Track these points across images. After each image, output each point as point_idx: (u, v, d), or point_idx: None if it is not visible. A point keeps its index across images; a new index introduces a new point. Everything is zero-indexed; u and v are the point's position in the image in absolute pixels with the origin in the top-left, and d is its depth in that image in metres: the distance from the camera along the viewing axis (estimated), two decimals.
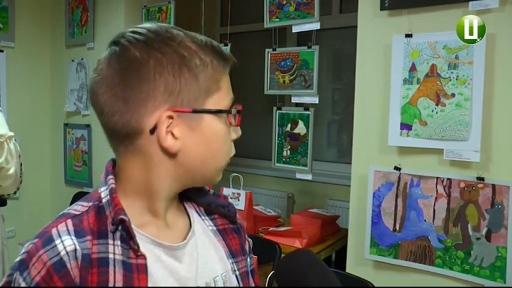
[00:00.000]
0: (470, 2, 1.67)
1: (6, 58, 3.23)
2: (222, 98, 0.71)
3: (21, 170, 1.87)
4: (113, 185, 0.69)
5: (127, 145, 0.69)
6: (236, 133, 0.75)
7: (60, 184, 3.50)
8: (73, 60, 3.28)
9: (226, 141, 0.73)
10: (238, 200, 2.49)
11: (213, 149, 0.71)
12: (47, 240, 0.63)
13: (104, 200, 0.68)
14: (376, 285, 1.70)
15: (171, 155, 0.68)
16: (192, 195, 0.80)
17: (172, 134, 0.67)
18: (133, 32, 0.68)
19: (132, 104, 0.65)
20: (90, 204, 0.68)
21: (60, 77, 3.41)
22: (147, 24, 0.69)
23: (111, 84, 0.66)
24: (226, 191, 2.55)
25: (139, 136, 0.67)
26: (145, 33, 0.67)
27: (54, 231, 0.64)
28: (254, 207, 2.66)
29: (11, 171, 1.79)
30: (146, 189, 0.70)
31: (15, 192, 1.96)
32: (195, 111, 0.68)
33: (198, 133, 0.69)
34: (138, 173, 0.70)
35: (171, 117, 0.66)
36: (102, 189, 0.70)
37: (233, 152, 0.75)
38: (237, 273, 0.78)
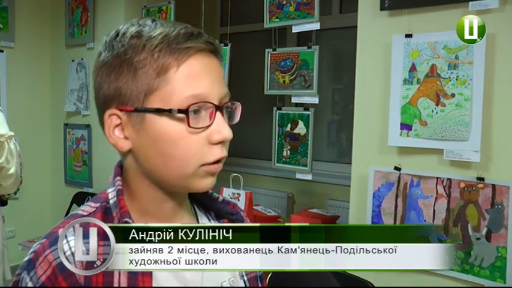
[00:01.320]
0: (470, 2, 1.67)
1: (6, 58, 3.24)
2: (172, 94, 0.63)
3: (21, 169, 1.88)
4: (120, 187, 0.69)
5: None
6: (219, 135, 0.65)
7: (60, 184, 3.50)
8: (73, 60, 3.28)
9: (181, 145, 0.64)
10: (238, 200, 2.49)
11: (162, 152, 0.64)
12: (54, 240, 0.64)
13: (111, 202, 0.69)
14: (376, 285, 1.70)
15: (131, 154, 0.68)
16: (202, 200, 0.79)
17: (124, 134, 0.67)
18: (109, 33, 0.69)
19: (99, 104, 0.69)
20: (98, 205, 0.69)
21: (60, 77, 3.41)
22: (128, 23, 0.69)
23: (92, 86, 0.71)
24: (226, 191, 2.55)
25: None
26: (110, 34, 0.68)
27: (61, 231, 0.64)
28: (254, 207, 2.66)
29: (12, 170, 1.80)
30: (134, 189, 0.70)
31: (15, 193, 1.96)
32: (135, 110, 0.64)
33: (142, 134, 0.65)
34: (125, 172, 0.71)
35: (117, 116, 0.66)
36: (110, 190, 0.70)
37: (215, 156, 0.66)
38: (245, 278, 0.77)
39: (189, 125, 0.63)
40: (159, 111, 0.63)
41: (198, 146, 0.64)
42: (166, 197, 0.70)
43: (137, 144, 0.66)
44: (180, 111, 0.62)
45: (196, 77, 0.64)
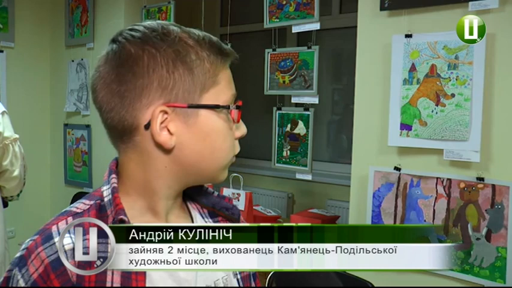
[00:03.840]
0: (470, 2, 1.67)
1: (6, 58, 3.23)
2: (221, 93, 0.69)
3: (24, 172, 1.88)
4: (115, 185, 0.69)
5: (125, 141, 0.69)
6: (240, 131, 0.73)
7: (60, 184, 3.50)
8: (73, 61, 3.28)
9: (227, 138, 0.71)
10: (238, 200, 2.49)
11: (211, 145, 0.69)
12: (47, 237, 0.64)
13: (105, 199, 0.68)
14: (376, 285, 1.70)
15: (167, 151, 0.68)
16: (196, 197, 0.79)
17: (168, 130, 0.67)
18: (131, 29, 0.69)
19: (127, 100, 0.66)
20: (92, 202, 0.69)
21: (60, 77, 3.41)
22: (146, 22, 0.70)
23: (108, 81, 0.67)
24: (226, 191, 2.55)
25: (136, 132, 0.67)
26: (142, 30, 0.68)
27: (54, 228, 0.65)
28: (254, 207, 2.66)
29: (16, 173, 1.80)
30: (146, 188, 0.70)
31: (18, 195, 1.96)
32: (190, 107, 0.67)
33: (194, 129, 0.68)
34: (137, 171, 0.70)
35: (165, 112, 0.66)
36: (105, 187, 0.70)
37: (237, 150, 0.74)
38: (239, 276, 0.78)
39: (237, 121, 0.72)
40: (217, 108, 0.69)
41: (233, 139, 0.73)
42: (173, 194, 0.72)
43: (184, 139, 0.68)
44: (237, 107, 0.71)
45: (231, 80, 0.73)
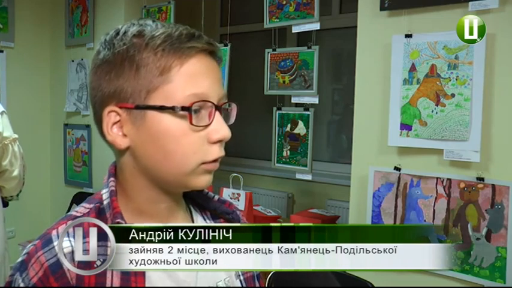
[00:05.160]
0: (470, 2, 1.67)
1: (6, 58, 3.23)
2: (174, 92, 0.64)
3: (24, 172, 1.89)
4: (113, 188, 0.69)
5: (107, 143, 0.70)
6: (218, 134, 0.66)
7: (60, 184, 3.50)
8: (73, 61, 3.28)
9: (183, 142, 0.65)
10: (238, 201, 2.49)
11: (162, 149, 0.65)
12: (47, 241, 0.64)
13: (104, 203, 0.69)
14: (376, 285, 1.70)
15: (128, 152, 0.68)
16: (198, 200, 0.79)
17: (122, 131, 0.67)
18: (108, 33, 0.70)
19: (97, 102, 0.68)
20: (92, 206, 0.69)
21: (60, 77, 3.41)
22: (127, 23, 0.69)
23: (89, 85, 0.71)
24: (226, 191, 2.55)
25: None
26: (110, 33, 0.69)
27: (54, 232, 0.65)
28: (254, 207, 2.66)
29: (15, 173, 1.81)
30: (128, 189, 0.70)
31: (17, 195, 1.97)
32: (137, 108, 0.65)
33: (142, 131, 0.65)
34: (120, 172, 0.71)
35: (117, 113, 0.66)
36: (104, 191, 0.70)
37: (215, 154, 0.67)
38: (241, 278, 0.77)
39: (191, 123, 0.64)
40: (161, 109, 0.64)
41: (199, 144, 0.66)
42: (162, 197, 0.70)
43: (137, 141, 0.66)
44: (183, 108, 0.64)
45: (198, 77, 0.65)
